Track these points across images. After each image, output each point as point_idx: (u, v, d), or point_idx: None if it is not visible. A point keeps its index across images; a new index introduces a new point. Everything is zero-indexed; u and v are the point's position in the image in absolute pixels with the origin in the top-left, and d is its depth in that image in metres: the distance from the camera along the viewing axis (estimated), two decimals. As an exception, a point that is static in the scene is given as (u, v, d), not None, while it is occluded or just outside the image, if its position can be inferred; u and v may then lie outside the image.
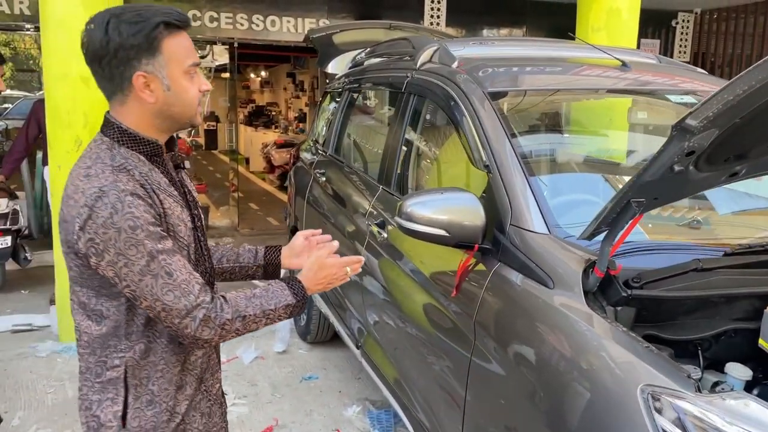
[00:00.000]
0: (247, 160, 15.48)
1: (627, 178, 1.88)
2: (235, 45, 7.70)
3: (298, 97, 14.81)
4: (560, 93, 2.56)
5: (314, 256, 1.59)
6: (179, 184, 1.47)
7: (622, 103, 2.71)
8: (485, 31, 8.41)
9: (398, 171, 2.87)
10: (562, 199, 2.19)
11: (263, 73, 17.51)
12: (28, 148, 5.38)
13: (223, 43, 7.70)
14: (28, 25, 6.60)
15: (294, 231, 4.59)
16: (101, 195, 1.29)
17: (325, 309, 3.80)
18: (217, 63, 10.24)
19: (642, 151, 2.67)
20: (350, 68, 4.37)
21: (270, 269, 1.75)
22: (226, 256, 1.75)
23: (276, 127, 15.63)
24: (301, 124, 14.48)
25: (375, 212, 2.93)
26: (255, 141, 15.09)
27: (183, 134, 15.30)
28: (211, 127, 18.41)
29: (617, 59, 2.64)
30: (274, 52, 12.72)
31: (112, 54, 1.32)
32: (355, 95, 3.92)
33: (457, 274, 2.03)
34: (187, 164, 1.61)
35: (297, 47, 7.91)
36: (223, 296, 1.41)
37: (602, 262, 1.60)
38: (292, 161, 5.08)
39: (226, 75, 11.32)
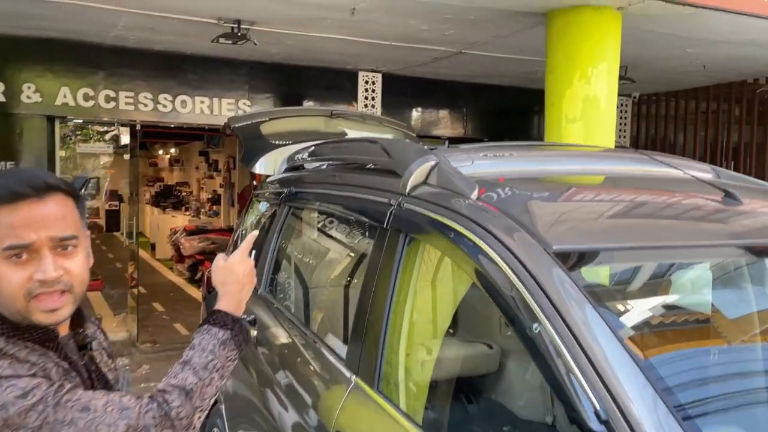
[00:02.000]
0: (153, 246, 13.94)
1: None
2: (138, 128, 6.54)
3: (211, 177, 13.58)
4: (672, 253, 1.60)
5: (215, 271, 1.48)
6: (80, 371, 1.26)
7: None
8: (421, 114, 7.69)
9: (379, 356, 1.82)
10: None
11: (173, 150, 16.18)
12: None
13: (123, 125, 6.52)
14: None
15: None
16: None
17: None
18: (121, 144, 8.95)
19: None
20: (287, 170, 3.35)
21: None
22: None
23: (187, 209, 14.25)
24: (214, 207, 13.22)
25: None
26: (163, 225, 13.63)
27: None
28: (114, 207, 16.82)
29: (717, 186, 1.76)
30: (184, 131, 11.58)
31: None
32: (299, 215, 2.87)
33: None
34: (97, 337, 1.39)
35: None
36: (159, 390, 1.24)
37: None
38: (206, 283, 3.88)
39: (127, 156, 10.01)
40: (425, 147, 2.11)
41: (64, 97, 5.86)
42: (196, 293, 9.76)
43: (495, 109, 8.13)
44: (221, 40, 5.06)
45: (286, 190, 2.92)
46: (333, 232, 2.60)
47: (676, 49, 5.74)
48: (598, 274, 1.49)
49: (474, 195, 1.73)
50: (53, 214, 1.17)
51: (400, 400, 1.77)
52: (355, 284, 2.12)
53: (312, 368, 2.23)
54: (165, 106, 6.28)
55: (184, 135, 13.44)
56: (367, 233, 2.17)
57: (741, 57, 6.02)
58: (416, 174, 1.95)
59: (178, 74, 6.32)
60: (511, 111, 8.17)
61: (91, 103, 5.97)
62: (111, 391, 1.31)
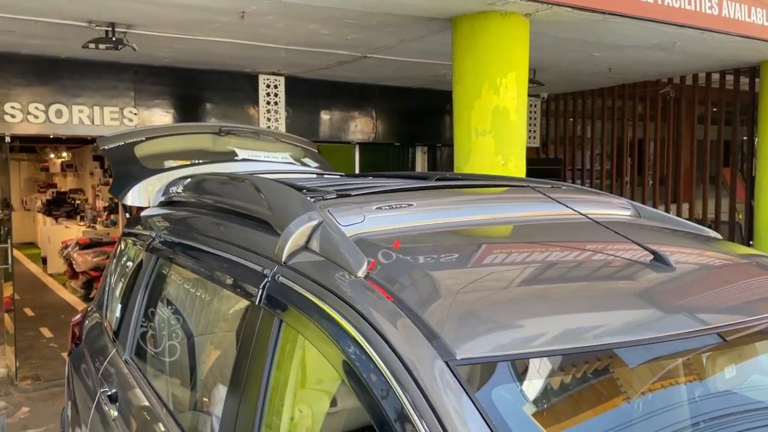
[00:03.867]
0: (44, 260, 12.84)
1: None
2: (6, 140, 5.78)
3: (107, 183, 12.61)
4: (618, 355, 1.29)
5: None
6: None
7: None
8: (329, 118, 7.30)
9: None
10: None
11: (65, 154, 14.98)
12: None
13: (-10, 137, 5.74)
14: None
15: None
16: None
17: None
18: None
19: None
20: (162, 204, 2.89)
21: None
22: None
23: (82, 219, 13.21)
24: (112, 216, 12.28)
25: None
26: (55, 236, 12.57)
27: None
28: (4, 216, 15.42)
29: (644, 247, 1.49)
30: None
31: None
32: (166, 271, 2.41)
33: None
34: None
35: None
36: None
37: None
38: (71, 336, 3.34)
39: None
40: (308, 198, 1.74)
41: None
42: (92, 313, 9.00)
43: (405, 111, 7.86)
44: (95, 45, 4.47)
45: (154, 236, 2.47)
46: (205, 299, 2.19)
47: (583, 53, 5.65)
48: (515, 391, 1.18)
49: (361, 271, 1.38)
50: None
51: None
52: (226, 370, 1.73)
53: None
54: (36, 117, 5.57)
55: (75, 138, 12.42)
56: (241, 306, 1.78)
57: (645, 60, 6.03)
58: (296, 236, 1.58)
59: (51, 81, 5.62)
60: (422, 112, 7.92)
61: (-56, 114, 5.19)
62: None
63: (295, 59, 5.75)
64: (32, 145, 13.98)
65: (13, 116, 5.46)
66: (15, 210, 15.43)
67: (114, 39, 4.42)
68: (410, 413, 1.05)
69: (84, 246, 10.44)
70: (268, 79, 6.46)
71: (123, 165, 3.31)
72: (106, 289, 3.02)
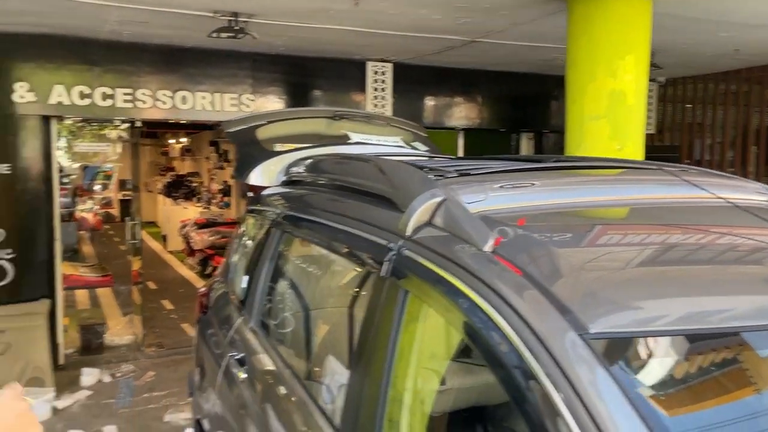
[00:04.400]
0: (165, 238, 13.77)
1: None
2: (137, 125, 6.26)
3: (222, 167, 13.32)
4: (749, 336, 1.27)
5: None
6: None
7: None
8: (435, 104, 7.33)
9: (377, 428, 1.52)
10: None
11: (183, 140, 15.95)
12: None
13: (123, 121, 6.25)
14: None
15: (198, 426, 3.11)
16: None
17: None
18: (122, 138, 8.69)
19: None
20: (284, 184, 3.04)
21: None
22: None
23: (198, 200, 14.04)
24: (225, 198, 12.97)
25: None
26: (174, 216, 13.45)
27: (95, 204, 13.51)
28: (128, 197, 16.68)
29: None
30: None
31: None
32: (292, 244, 2.56)
33: None
34: None
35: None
36: None
37: None
38: (199, 305, 3.60)
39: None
40: (431, 177, 1.79)
41: (59, 95, 5.59)
42: (207, 288, 9.58)
43: (512, 97, 7.74)
44: (219, 34, 4.74)
45: (278, 212, 2.62)
46: (327, 270, 2.29)
47: (707, 33, 5.32)
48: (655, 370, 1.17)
49: (488, 246, 1.41)
50: None
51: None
52: (350, 338, 1.82)
53: (297, 418, 1.95)
54: (164, 103, 5.99)
55: (194, 124, 13.18)
56: (365, 277, 1.86)
57: (778, 40, 5.60)
58: (420, 212, 1.63)
59: (177, 69, 6.02)
60: (528, 98, 7.77)
61: (87, 101, 5.69)
62: None
63: (404, 45, 5.82)
64: (154, 131, 14.95)
65: (144, 102, 5.90)
66: (140, 191, 16.68)
67: (236, 28, 4.67)
68: (544, 383, 1.08)
69: (201, 225, 11.13)
70: (376, 66, 6.57)
71: (246, 147, 3.51)
72: (232, 262, 3.23)
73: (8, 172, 5.56)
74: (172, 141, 16.60)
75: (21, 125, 5.58)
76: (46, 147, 5.76)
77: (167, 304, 8.60)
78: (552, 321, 1.16)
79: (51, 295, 5.78)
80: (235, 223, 11.25)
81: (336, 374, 1.85)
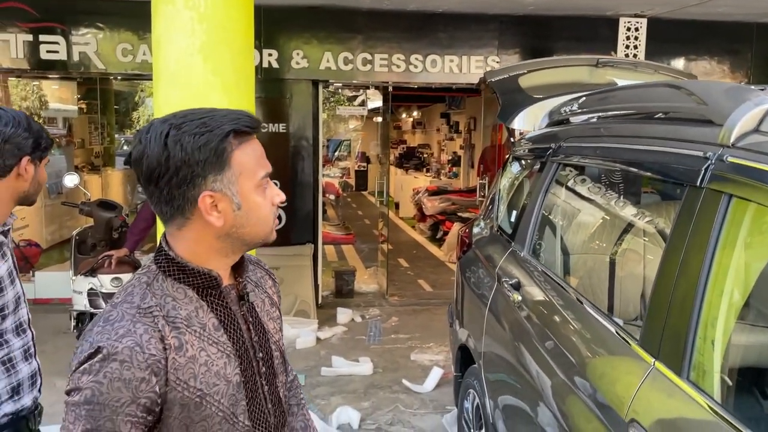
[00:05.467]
0: (397, 205, 14.65)
1: None
2: (390, 89, 6.73)
3: (452, 139, 13.73)
4: None
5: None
6: (238, 322, 1.22)
7: None
8: (694, 62, 6.73)
9: (689, 341, 1.51)
10: None
11: (415, 113, 16.71)
12: (154, 216, 4.68)
13: (377, 87, 6.77)
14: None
15: (463, 351, 3.32)
16: (99, 358, 1.06)
17: None
18: (369, 107, 9.42)
19: None
20: (549, 125, 3.08)
21: None
22: None
23: (427, 170, 14.68)
24: (454, 168, 13.38)
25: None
26: (405, 185, 14.23)
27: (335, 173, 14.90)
28: (362, 168, 18.05)
29: None
30: (428, 93, 11.80)
31: (173, 172, 1.11)
32: (572, 172, 2.60)
33: None
34: (262, 284, 1.36)
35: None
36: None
37: None
38: (460, 244, 3.83)
39: (378, 119, 10.53)
40: (749, 86, 1.71)
41: (327, 61, 6.24)
42: (437, 252, 10.01)
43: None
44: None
45: (553, 146, 2.67)
46: (616, 192, 2.29)
47: None
48: None
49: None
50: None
51: (715, 394, 1.46)
52: (650, 253, 1.82)
53: (581, 337, 2.00)
54: (416, 67, 6.35)
55: (427, 97, 13.75)
56: (666, 192, 1.84)
57: None
58: (744, 121, 1.57)
59: (428, 34, 6.34)
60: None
61: (350, 66, 6.27)
62: (270, 340, 1.28)
63: (664, -4, 5.43)
64: (394, 105, 15.89)
65: (398, 66, 6.32)
66: (372, 163, 17.91)
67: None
68: None
69: (432, 193, 11.62)
70: (629, 22, 6.22)
71: (509, 94, 3.61)
72: (496, 200, 3.38)
73: (283, 131, 6.37)
74: (404, 115, 17.50)
75: (295, 90, 6.34)
76: (315, 110, 6.47)
77: (403, 262, 9.18)
78: None
79: (314, 241, 6.54)
80: (463, 192, 11.59)
81: (633, 284, 1.86)
